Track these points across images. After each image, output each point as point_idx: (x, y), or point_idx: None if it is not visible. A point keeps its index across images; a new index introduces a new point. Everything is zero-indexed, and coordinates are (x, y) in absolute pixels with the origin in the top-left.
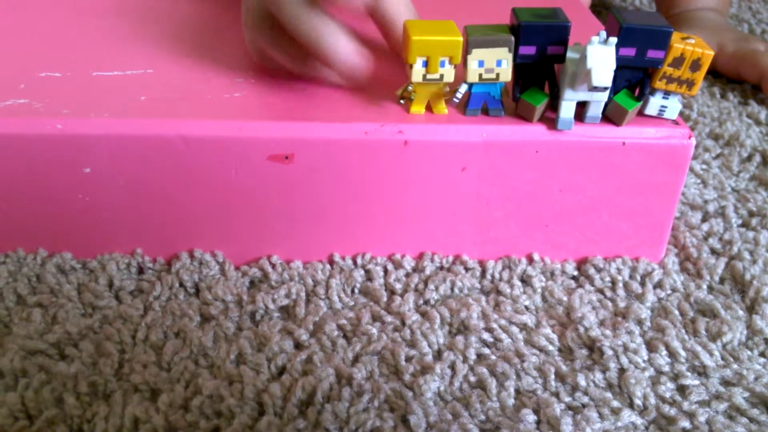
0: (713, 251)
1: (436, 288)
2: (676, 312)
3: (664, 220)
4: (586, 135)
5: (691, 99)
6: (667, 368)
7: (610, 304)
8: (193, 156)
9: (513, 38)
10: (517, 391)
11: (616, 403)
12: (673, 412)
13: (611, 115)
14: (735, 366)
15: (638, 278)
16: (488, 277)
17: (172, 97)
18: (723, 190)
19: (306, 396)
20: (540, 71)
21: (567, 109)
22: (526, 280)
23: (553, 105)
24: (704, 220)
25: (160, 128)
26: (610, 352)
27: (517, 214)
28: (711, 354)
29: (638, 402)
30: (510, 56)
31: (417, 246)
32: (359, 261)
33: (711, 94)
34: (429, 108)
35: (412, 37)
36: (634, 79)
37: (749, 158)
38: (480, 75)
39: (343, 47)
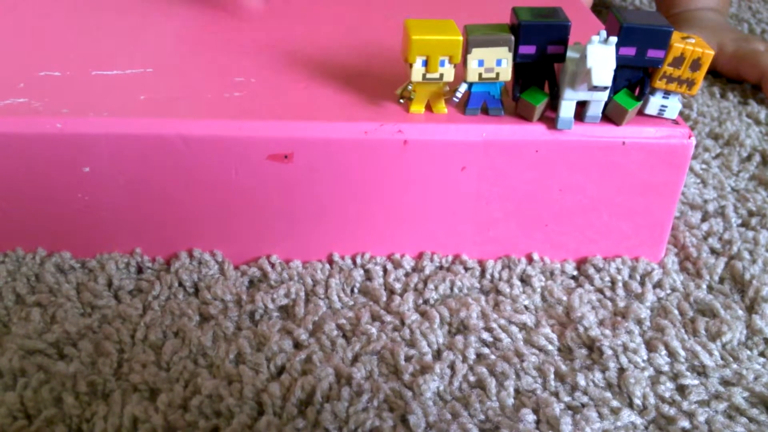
0: (713, 251)
1: (436, 288)
2: (676, 312)
3: (664, 219)
4: (586, 134)
5: (691, 99)
6: (666, 368)
7: (609, 303)
8: (192, 155)
9: (513, 38)
10: (517, 391)
11: (615, 403)
12: (672, 411)
13: (611, 115)
14: (734, 366)
15: (638, 278)
16: (488, 276)
17: (172, 96)
18: (723, 190)
19: (305, 395)
20: (540, 71)
21: (567, 108)
22: (525, 280)
23: (553, 104)
24: (704, 219)
25: (160, 128)
26: (609, 352)
27: (517, 214)
28: (710, 354)
29: (638, 402)
30: (510, 56)
31: (416, 245)
32: (359, 261)
33: (711, 93)
34: (429, 107)
35: (411, 36)
36: (634, 79)
37: (749, 158)
38: (480, 74)
39: None
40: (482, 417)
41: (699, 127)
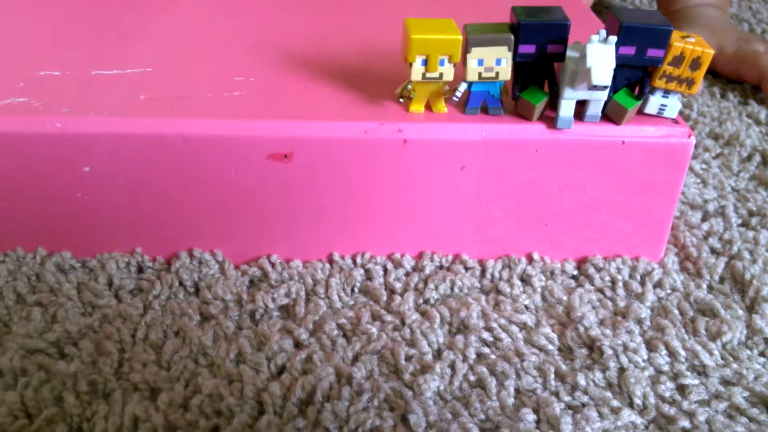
0: (713, 251)
1: (436, 287)
2: (676, 311)
3: (664, 219)
4: (586, 134)
5: (690, 98)
6: (666, 368)
7: (609, 303)
8: (192, 155)
9: (513, 37)
10: (517, 391)
11: (615, 403)
12: (672, 411)
13: (611, 114)
14: (735, 365)
15: (638, 278)
16: (488, 276)
17: (172, 96)
18: (723, 190)
19: (306, 395)
20: (540, 70)
21: (566, 107)
22: (525, 280)
23: (553, 104)
24: (704, 219)
25: (160, 127)
26: (609, 352)
27: (517, 214)
28: (711, 353)
29: (638, 401)
30: (509, 55)
31: (417, 245)
32: (359, 260)
33: (711, 93)
34: (428, 107)
35: (411, 36)
36: (634, 78)
37: (749, 158)
38: (479, 74)
39: None
40: (482, 416)
41: (699, 127)
